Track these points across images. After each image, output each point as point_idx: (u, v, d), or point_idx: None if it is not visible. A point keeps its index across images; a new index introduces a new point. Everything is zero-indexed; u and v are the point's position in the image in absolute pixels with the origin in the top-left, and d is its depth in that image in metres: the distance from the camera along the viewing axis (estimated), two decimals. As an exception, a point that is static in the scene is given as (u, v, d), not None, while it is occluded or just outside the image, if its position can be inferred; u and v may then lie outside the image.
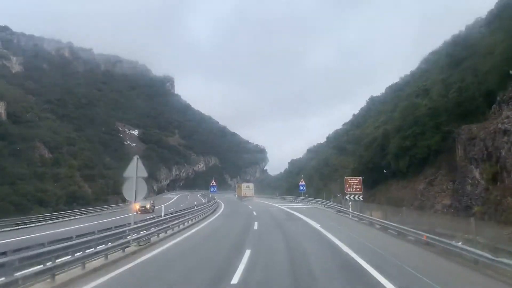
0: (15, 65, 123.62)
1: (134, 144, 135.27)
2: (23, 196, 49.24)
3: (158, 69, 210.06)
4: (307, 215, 34.12)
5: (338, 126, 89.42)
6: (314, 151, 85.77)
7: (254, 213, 37.86)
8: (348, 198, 34.15)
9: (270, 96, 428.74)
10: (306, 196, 52.51)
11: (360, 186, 33.96)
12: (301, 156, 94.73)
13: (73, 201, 61.06)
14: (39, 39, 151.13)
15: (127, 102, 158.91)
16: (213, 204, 46.65)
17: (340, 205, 38.44)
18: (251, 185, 70.90)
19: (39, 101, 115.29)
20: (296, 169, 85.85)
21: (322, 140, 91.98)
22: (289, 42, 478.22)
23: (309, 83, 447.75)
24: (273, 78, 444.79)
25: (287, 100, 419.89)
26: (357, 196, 33.72)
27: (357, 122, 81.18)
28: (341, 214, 35.91)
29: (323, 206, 43.82)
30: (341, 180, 38.88)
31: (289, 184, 69.09)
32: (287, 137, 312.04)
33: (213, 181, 46.20)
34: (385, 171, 38.83)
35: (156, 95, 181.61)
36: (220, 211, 43.26)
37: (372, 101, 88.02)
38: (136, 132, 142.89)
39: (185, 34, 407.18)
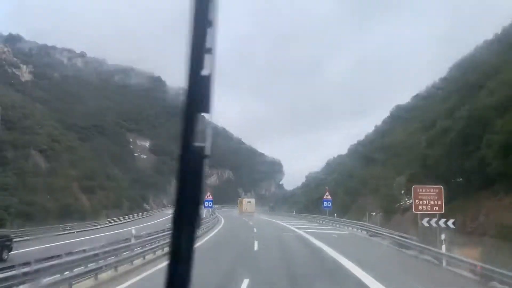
0: (25, 73, 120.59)
1: (144, 156, 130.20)
2: (3, 210, 43.04)
3: (174, 82, 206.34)
4: (356, 258, 18.94)
5: (357, 139, 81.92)
6: (334, 164, 78.15)
7: (256, 246, 23.16)
8: (428, 224, 20.95)
9: (286, 109, 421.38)
10: (335, 216, 40.47)
11: (440, 202, 21.23)
12: (318, 170, 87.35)
13: (67, 215, 54.77)
14: (52, 48, 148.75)
15: (139, 113, 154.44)
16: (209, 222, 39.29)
17: (399, 234, 24.57)
18: (252, 200, 69.13)
19: (46, 110, 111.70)
20: (314, 183, 78.25)
21: (341, 153, 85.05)
22: (306, 53, 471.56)
23: (327, 95, 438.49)
24: (290, 90, 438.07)
25: (304, 113, 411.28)
26: (443, 220, 20.08)
27: (382, 131, 73.56)
28: (407, 251, 22.21)
29: (364, 232, 30.82)
30: (377, 194, 30.90)
31: (308, 199, 61.47)
32: (304, 151, 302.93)
33: (208, 194, 36.48)
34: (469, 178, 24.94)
35: (169, 106, 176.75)
36: (207, 238, 30.34)
37: (398, 109, 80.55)
38: (147, 144, 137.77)
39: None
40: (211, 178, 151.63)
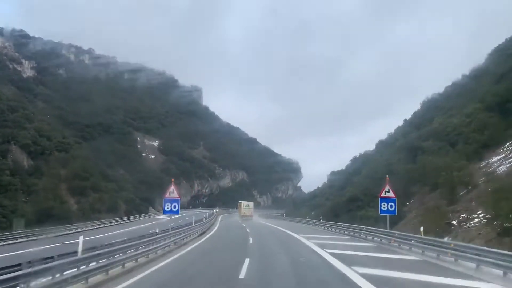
0: (27, 69, 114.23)
1: (153, 156, 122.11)
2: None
3: (186, 80, 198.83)
4: None
5: (387, 133, 71.84)
6: (363, 159, 67.75)
7: None
8: None
9: (305, 110, 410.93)
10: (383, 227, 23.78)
11: None
12: (343, 167, 76.89)
13: (47, 219, 46.18)
14: (58, 45, 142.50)
15: (149, 112, 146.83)
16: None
17: None
18: (251, 204, 71.08)
19: (47, 106, 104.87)
20: (339, 181, 68.08)
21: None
22: (326, 52, 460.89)
23: (347, 96, 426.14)
24: (308, 91, 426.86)
25: (323, 114, 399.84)
26: None
27: (416, 123, 63.43)
28: None
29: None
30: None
31: (334, 201, 51.14)
32: (323, 153, 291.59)
33: (171, 188, 22.13)
34: None
35: (181, 105, 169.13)
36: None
37: (433, 100, 70.10)
38: (156, 143, 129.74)
39: (217, 44, 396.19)
40: (224, 180, 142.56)
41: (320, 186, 79.32)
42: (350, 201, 40.13)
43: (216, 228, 41.60)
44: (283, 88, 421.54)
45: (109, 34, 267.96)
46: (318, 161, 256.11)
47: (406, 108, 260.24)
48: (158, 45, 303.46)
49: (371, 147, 72.57)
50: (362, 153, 74.39)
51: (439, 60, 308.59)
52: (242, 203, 70.49)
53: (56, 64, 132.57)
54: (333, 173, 75.72)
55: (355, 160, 71.35)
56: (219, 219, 62.22)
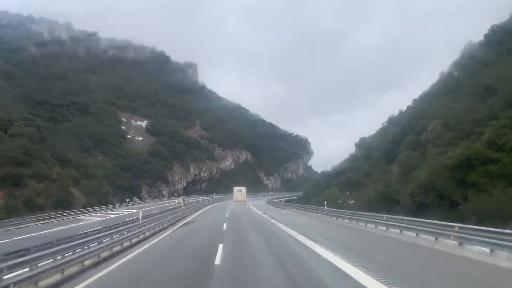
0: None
1: (140, 138, 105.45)
2: None
3: (180, 58, 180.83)
4: None
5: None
6: (397, 121, 50.54)
7: None
8: None
9: (310, 88, 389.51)
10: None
11: None
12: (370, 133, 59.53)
13: None
14: (27, 19, 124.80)
15: (136, 90, 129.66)
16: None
17: None
18: (243, 189, 69.04)
19: (8, 85, 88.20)
20: (365, 152, 51.04)
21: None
22: (331, 23, 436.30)
23: (354, 70, 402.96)
24: (313, 67, 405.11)
25: (329, 91, 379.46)
26: None
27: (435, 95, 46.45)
28: None
29: None
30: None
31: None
32: (330, 132, 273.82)
33: None
34: None
35: (174, 83, 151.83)
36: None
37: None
38: (144, 124, 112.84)
39: (213, 17, 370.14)
40: (225, 161, 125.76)
41: (346, 157, 61.11)
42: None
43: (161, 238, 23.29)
44: (286, 65, 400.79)
45: (90, 8, 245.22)
46: (327, 140, 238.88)
47: (417, 82, 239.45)
48: (147, 19, 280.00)
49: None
50: (395, 115, 57.02)
51: (452, 31, 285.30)
52: (235, 188, 69.95)
53: (25, 40, 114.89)
54: (362, 140, 58.04)
55: (391, 122, 53.78)
56: (200, 213, 42.99)
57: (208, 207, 56.88)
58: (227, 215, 35.74)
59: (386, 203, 25.69)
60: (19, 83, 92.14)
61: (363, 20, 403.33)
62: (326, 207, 30.46)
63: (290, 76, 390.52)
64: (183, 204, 47.33)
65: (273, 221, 26.63)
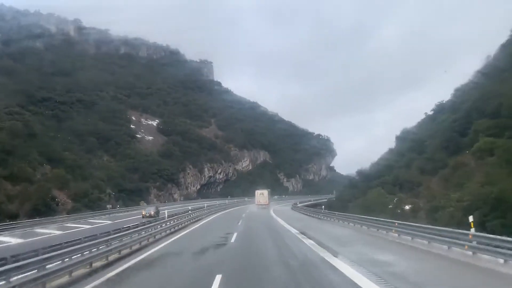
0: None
1: (150, 138, 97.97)
2: None
3: (195, 56, 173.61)
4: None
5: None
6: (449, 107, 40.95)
7: None
8: None
9: (331, 87, 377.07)
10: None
11: None
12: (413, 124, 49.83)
13: None
14: (34, 15, 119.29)
15: (148, 88, 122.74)
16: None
17: None
18: (265, 192, 65.76)
19: (10, 82, 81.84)
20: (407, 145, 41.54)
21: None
22: (352, 19, 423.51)
23: (375, 69, 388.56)
24: (333, 65, 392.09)
25: (350, 91, 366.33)
26: None
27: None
28: None
29: None
30: None
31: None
32: (352, 133, 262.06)
33: None
34: None
35: (188, 81, 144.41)
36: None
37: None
38: (155, 122, 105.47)
39: (232, 16, 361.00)
40: (242, 162, 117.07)
41: (390, 148, 50.99)
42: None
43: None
44: (304, 64, 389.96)
45: (101, 4, 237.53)
46: (348, 140, 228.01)
47: (442, 79, 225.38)
48: (161, 16, 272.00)
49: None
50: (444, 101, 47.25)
51: (478, 26, 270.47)
52: (257, 191, 66.95)
53: (31, 36, 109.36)
54: (405, 131, 48.35)
55: (440, 108, 44.19)
56: (190, 231, 25.92)
57: (211, 217, 40.51)
58: (233, 239, 19.25)
59: (498, 212, 16.67)
60: (21, 79, 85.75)
61: (384, 16, 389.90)
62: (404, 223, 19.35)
63: (309, 75, 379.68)
64: (156, 216, 35.13)
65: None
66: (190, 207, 46.35)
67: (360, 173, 52.84)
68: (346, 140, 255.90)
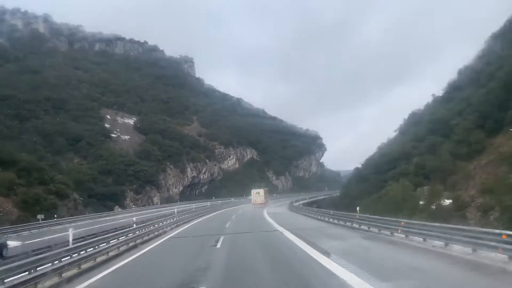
0: None
1: (127, 137, 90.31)
2: None
3: (176, 52, 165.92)
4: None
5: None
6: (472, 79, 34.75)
7: None
8: None
9: (316, 83, 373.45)
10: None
11: None
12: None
13: None
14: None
15: (124, 85, 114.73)
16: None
17: None
18: (261, 191, 64.17)
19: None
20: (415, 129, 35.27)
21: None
22: (337, 15, 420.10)
23: (360, 65, 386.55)
24: (318, 62, 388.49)
25: (336, 87, 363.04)
26: None
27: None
28: None
29: None
30: None
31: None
32: (341, 130, 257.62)
33: None
34: None
35: (168, 77, 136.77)
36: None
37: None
38: (132, 121, 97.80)
39: (214, 12, 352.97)
40: (228, 161, 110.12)
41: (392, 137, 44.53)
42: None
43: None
44: (290, 60, 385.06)
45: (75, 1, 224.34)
46: (335, 136, 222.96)
47: (433, 71, 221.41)
48: (139, 13, 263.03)
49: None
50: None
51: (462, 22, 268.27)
52: (253, 190, 65.99)
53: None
54: (414, 114, 41.84)
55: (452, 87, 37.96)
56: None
57: (177, 230, 25.63)
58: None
59: None
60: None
61: (368, 11, 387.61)
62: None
63: (294, 71, 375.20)
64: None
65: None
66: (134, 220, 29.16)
67: (366, 164, 45.94)
68: (335, 136, 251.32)
